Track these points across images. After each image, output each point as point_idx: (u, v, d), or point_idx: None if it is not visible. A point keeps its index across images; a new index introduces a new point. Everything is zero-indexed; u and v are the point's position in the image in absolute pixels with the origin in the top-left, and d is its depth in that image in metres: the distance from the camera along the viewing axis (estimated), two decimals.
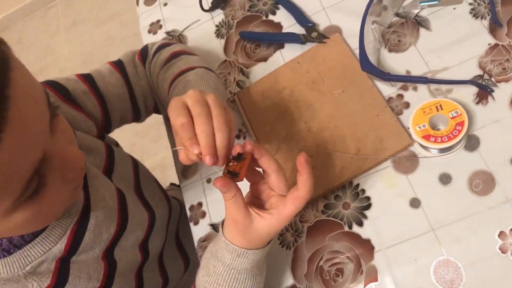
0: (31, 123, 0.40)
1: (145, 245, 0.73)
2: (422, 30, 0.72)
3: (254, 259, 0.56)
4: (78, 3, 2.52)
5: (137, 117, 0.80)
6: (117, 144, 0.80)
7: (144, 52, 0.78)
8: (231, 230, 0.56)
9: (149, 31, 0.94)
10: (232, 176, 0.53)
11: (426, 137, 0.62)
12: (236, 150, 0.53)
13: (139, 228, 0.71)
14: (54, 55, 2.42)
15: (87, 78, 0.73)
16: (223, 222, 0.59)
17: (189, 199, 0.76)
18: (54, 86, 0.67)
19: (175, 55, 0.73)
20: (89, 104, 0.71)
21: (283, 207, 0.54)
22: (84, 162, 0.51)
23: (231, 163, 0.53)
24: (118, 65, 0.77)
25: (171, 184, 1.13)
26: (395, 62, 0.71)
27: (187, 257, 0.88)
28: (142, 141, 1.99)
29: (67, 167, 0.47)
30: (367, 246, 0.62)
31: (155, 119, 0.88)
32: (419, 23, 0.72)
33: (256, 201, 0.58)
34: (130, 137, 1.97)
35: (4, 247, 0.53)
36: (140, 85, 0.77)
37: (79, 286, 0.60)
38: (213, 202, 0.74)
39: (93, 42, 2.33)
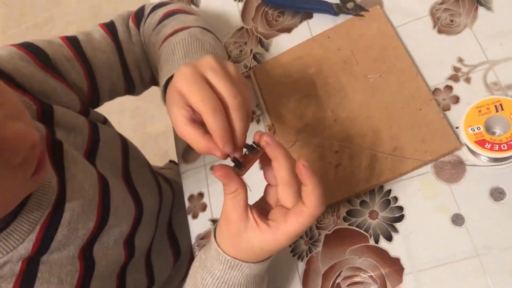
0: None
1: (131, 241, 0.63)
2: (481, 10, 0.60)
3: (250, 274, 0.47)
4: None
5: (131, 89, 0.70)
6: (105, 121, 0.70)
7: (139, 14, 0.68)
8: (222, 232, 0.47)
9: None
10: (236, 166, 0.43)
11: (480, 143, 0.51)
12: (256, 136, 0.44)
13: (124, 221, 0.61)
14: (61, 6, 2.29)
15: (73, 42, 0.62)
16: (215, 227, 0.49)
17: (189, 188, 0.66)
18: (31, 49, 0.57)
19: (169, 14, 0.63)
20: (73, 73, 0.61)
21: (283, 222, 0.43)
22: (34, 140, 0.41)
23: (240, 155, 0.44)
24: (110, 28, 0.66)
25: (170, 161, 1.03)
26: (446, 46, 0.60)
27: (179, 250, 0.78)
28: (147, 105, 1.89)
29: (10, 150, 0.38)
30: (396, 266, 0.52)
31: None
32: (478, 1, 0.60)
33: (265, 207, 0.48)
34: (133, 100, 1.87)
35: None
36: (133, 51, 0.67)
37: None
38: (216, 194, 0.64)
39: None
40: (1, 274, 0.47)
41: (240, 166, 0.43)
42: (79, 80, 0.62)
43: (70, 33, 0.64)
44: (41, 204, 0.50)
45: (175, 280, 0.78)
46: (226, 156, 0.43)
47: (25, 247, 0.48)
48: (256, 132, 0.44)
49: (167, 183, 0.81)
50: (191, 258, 0.79)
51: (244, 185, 0.44)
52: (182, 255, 0.78)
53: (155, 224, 0.70)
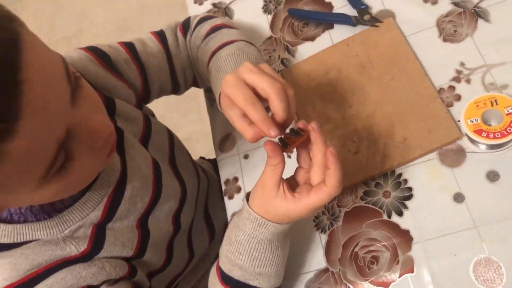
0: (49, 104, 0.39)
1: (177, 217, 0.73)
2: (481, 22, 0.69)
3: (274, 231, 0.56)
4: None
5: (176, 89, 0.80)
6: (153, 115, 0.80)
7: (186, 25, 0.77)
8: (256, 194, 0.56)
9: (195, 1, 0.93)
10: (283, 145, 0.52)
11: (478, 132, 0.60)
12: (299, 125, 0.53)
13: (172, 199, 0.71)
14: (89, 20, 2.42)
15: (129, 47, 0.72)
16: (247, 193, 0.59)
17: (225, 173, 0.76)
18: (96, 52, 0.66)
19: (216, 29, 0.72)
20: (130, 73, 0.70)
21: (305, 195, 0.53)
22: (112, 129, 0.50)
23: (287, 135, 0.53)
24: (160, 36, 0.76)
25: (201, 157, 1.13)
26: (449, 53, 0.69)
27: (213, 231, 0.88)
28: (171, 114, 1.99)
29: (94, 137, 0.46)
30: (406, 237, 0.61)
31: (185, 93, 0.87)
32: (478, 14, 0.70)
33: (293, 184, 0.57)
34: (160, 109, 1.96)
35: (45, 209, 0.54)
36: (180, 57, 0.76)
37: (113, 253, 0.60)
38: (250, 178, 0.73)
39: (129, 10, 2.33)
40: (76, 235, 0.57)
41: (286, 145, 0.53)
42: (135, 79, 0.71)
43: None
44: (108, 180, 0.59)
45: (210, 257, 0.87)
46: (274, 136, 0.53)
47: (95, 215, 0.58)
48: (301, 121, 0.54)
49: (202, 171, 0.91)
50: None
51: (284, 162, 0.53)
52: (216, 235, 0.88)
53: (194, 205, 0.80)
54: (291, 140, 0.53)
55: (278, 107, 0.51)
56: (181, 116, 1.96)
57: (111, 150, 0.52)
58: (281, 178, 0.54)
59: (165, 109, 1.99)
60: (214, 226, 0.88)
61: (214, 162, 1.05)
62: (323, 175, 0.53)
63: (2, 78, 0.34)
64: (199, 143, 1.99)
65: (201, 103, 2.04)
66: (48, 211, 0.55)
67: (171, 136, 0.78)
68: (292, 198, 0.53)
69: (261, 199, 0.55)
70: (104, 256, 0.59)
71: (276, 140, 0.54)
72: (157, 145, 0.72)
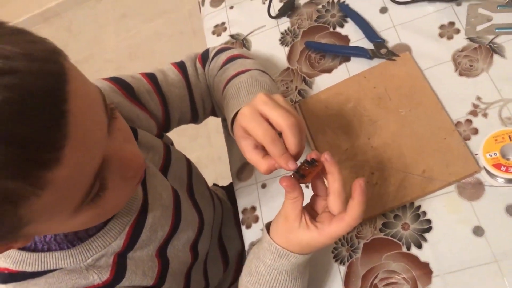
0: (90, 134, 0.40)
1: (195, 246, 0.73)
2: (496, 57, 0.71)
3: (295, 262, 0.57)
4: None
5: (195, 119, 0.81)
6: (172, 143, 0.81)
7: (205, 56, 0.79)
8: (279, 226, 0.57)
9: (213, 33, 0.95)
10: (299, 177, 0.53)
11: (497, 166, 0.61)
12: (312, 155, 0.54)
13: (190, 228, 0.72)
14: (101, 45, 2.47)
15: (151, 78, 0.73)
16: (267, 224, 0.60)
17: (243, 202, 0.76)
18: (120, 83, 0.68)
19: (232, 59, 0.74)
20: (152, 104, 0.72)
21: (327, 225, 0.54)
22: (143, 159, 0.52)
23: (302, 166, 0.54)
24: (181, 66, 0.77)
25: (214, 184, 1.13)
26: (466, 87, 0.70)
27: (228, 259, 0.88)
28: (180, 139, 2.01)
29: (126, 166, 0.47)
30: (425, 269, 0.61)
31: None
32: (493, 49, 0.71)
33: (311, 212, 0.58)
34: (169, 134, 2.00)
35: (69, 238, 0.55)
36: (199, 87, 0.77)
37: (134, 282, 0.61)
38: (267, 208, 0.74)
39: (140, 37, 2.37)
40: (98, 264, 0.57)
41: (303, 176, 0.54)
42: (156, 109, 0.72)
43: (108, 69, 0.75)
44: (130, 209, 0.60)
45: (224, 285, 0.87)
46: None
47: (117, 244, 0.59)
48: (313, 151, 0.55)
49: (217, 199, 0.92)
50: (237, 268, 0.89)
51: (302, 193, 0.55)
52: (230, 264, 0.88)
53: (210, 234, 0.80)
54: (306, 171, 0.54)
55: (292, 142, 0.52)
56: (190, 140, 1.98)
57: (140, 179, 0.53)
58: (302, 210, 0.55)
59: (174, 133, 2.00)
60: (228, 254, 0.88)
61: (226, 189, 1.06)
62: (341, 204, 0.54)
63: (52, 108, 0.36)
64: (207, 168, 2.00)
65: (210, 128, 2.07)
66: (72, 240, 0.55)
67: (189, 164, 0.79)
68: (315, 228, 0.54)
69: (284, 230, 0.56)
70: (126, 285, 0.60)
71: (291, 171, 0.55)
72: (176, 174, 0.73)
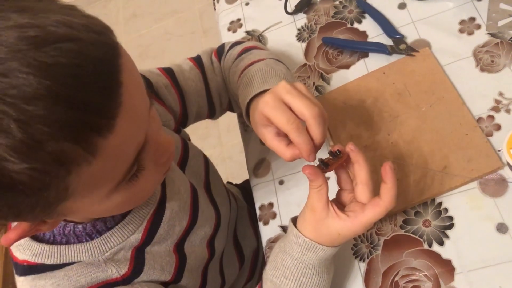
0: (138, 109, 0.41)
1: (212, 242, 0.73)
2: None
3: (323, 256, 0.56)
4: None
5: (212, 114, 0.81)
6: (189, 139, 0.81)
7: (220, 50, 0.79)
8: (306, 219, 0.56)
9: (229, 29, 0.95)
10: (323, 166, 0.53)
11: None
12: (336, 147, 0.54)
13: (208, 224, 0.71)
14: None
15: (169, 72, 0.73)
16: (293, 218, 0.59)
17: (260, 199, 0.76)
18: None
19: (247, 50, 0.74)
20: (170, 98, 0.72)
21: (361, 212, 0.53)
22: (175, 146, 0.52)
23: (325, 157, 0.54)
24: (197, 61, 0.77)
25: (228, 182, 1.13)
26: (487, 83, 0.69)
27: (243, 258, 0.87)
28: (191, 138, 2.01)
29: (160, 151, 0.48)
30: (448, 267, 0.60)
31: None
32: None
33: (338, 206, 0.57)
34: None
35: (88, 231, 0.55)
36: (216, 81, 0.77)
37: (152, 277, 0.60)
38: (285, 204, 0.73)
39: (151, 36, 2.38)
40: (116, 258, 0.57)
41: (326, 165, 0.53)
42: (174, 104, 0.72)
43: None
44: (149, 202, 0.60)
45: (240, 283, 0.87)
46: (313, 158, 0.54)
47: (136, 238, 0.58)
48: (337, 144, 0.55)
49: (232, 197, 0.91)
50: (252, 266, 0.88)
51: (326, 182, 0.54)
52: (245, 262, 0.87)
53: (227, 231, 0.80)
54: (330, 161, 0.54)
55: (316, 132, 0.52)
56: (201, 140, 1.98)
57: (168, 168, 0.54)
58: (328, 199, 0.55)
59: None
60: (244, 252, 0.87)
61: (241, 187, 1.06)
62: (369, 192, 0.54)
63: (108, 77, 0.37)
64: (218, 167, 1.99)
65: (221, 127, 2.06)
66: (91, 233, 0.55)
67: (206, 161, 0.78)
68: (346, 217, 0.54)
69: (313, 223, 0.56)
70: (143, 280, 0.59)
71: (314, 163, 0.55)
72: (193, 170, 0.72)
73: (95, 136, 0.36)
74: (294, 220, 0.59)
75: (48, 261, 0.54)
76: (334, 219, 0.54)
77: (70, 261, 0.54)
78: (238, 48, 0.75)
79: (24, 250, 0.54)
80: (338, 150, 0.54)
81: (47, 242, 0.54)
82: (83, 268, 0.55)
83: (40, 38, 0.34)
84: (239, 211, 0.91)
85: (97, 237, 0.55)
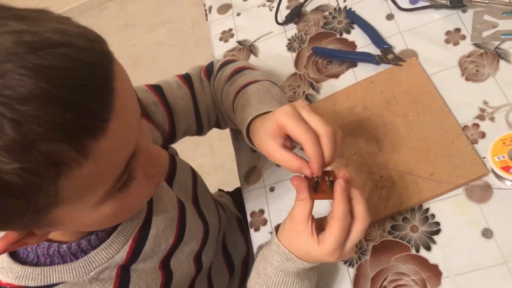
0: (129, 116, 0.42)
1: (199, 258, 0.73)
2: (502, 62, 0.72)
3: (300, 267, 0.57)
4: (131, 7, 2.59)
5: (200, 131, 0.81)
6: (176, 154, 0.82)
7: (209, 68, 0.80)
8: (285, 227, 0.57)
9: (220, 39, 0.96)
10: (313, 187, 0.54)
11: (505, 168, 0.61)
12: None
13: (194, 240, 0.71)
14: None
15: (157, 89, 0.74)
16: (277, 226, 0.60)
17: (251, 205, 0.77)
18: None
19: (239, 70, 0.75)
20: (158, 115, 0.72)
21: (327, 231, 0.54)
22: (167, 159, 0.52)
23: (323, 181, 0.55)
24: (186, 79, 0.78)
25: (219, 190, 1.13)
26: (472, 92, 0.71)
27: (233, 266, 0.87)
28: (182, 147, 2.01)
29: (151, 163, 0.49)
30: (435, 271, 0.61)
31: None
32: (499, 55, 0.72)
33: (320, 226, 0.57)
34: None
35: (73, 251, 0.55)
36: (205, 100, 0.78)
37: None
38: (275, 211, 0.74)
39: (143, 46, 2.39)
40: (101, 277, 0.56)
41: (315, 190, 0.54)
42: (162, 121, 0.73)
43: None
44: (134, 220, 0.60)
45: None
46: (312, 175, 0.55)
47: (121, 256, 0.58)
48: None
49: (221, 207, 0.92)
50: (242, 275, 0.88)
51: (311, 200, 0.55)
52: (235, 270, 0.87)
53: (215, 244, 0.80)
54: (323, 188, 0.55)
55: (328, 149, 0.54)
56: (193, 149, 1.98)
57: (159, 181, 0.54)
58: (311, 215, 0.55)
59: (177, 142, 2.01)
60: (234, 262, 0.88)
61: (232, 195, 1.06)
62: (340, 234, 0.54)
63: (102, 82, 0.38)
64: (209, 176, 2.00)
65: (212, 136, 2.07)
66: (75, 253, 0.55)
67: (194, 174, 0.79)
68: (316, 237, 0.54)
69: (289, 232, 0.57)
70: None
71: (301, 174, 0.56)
72: (181, 185, 0.73)
73: (88, 139, 0.37)
74: (277, 228, 0.60)
75: (31, 284, 0.53)
76: (308, 236, 0.54)
77: (54, 282, 0.53)
78: (229, 69, 0.76)
79: (7, 273, 0.53)
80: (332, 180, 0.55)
81: (31, 264, 0.54)
82: None
83: (36, 43, 0.35)
84: (228, 220, 0.91)
85: (82, 257, 0.55)
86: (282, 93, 0.72)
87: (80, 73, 0.36)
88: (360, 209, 0.54)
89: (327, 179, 0.56)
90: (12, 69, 0.34)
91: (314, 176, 0.54)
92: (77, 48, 0.37)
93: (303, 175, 0.56)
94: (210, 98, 0.78)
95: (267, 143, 0.58)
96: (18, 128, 0.34)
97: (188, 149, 1.99)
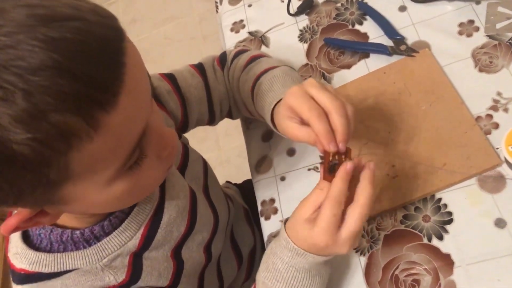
0: (140, 90, 0.42)
1: (209, 247, 0.73)
2: None
3: (313, 261, 0.56)
4: (139, 2, 2.59)
5: (212, 121, 0.81)
6: (188, 143, 0.82)
7: (223, 58, 0.80)
8: (293, 217, 0.57)
9: (232, 30, 0.96)
10: (330, 170, 0.54)
11: None
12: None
13: (205, 229, 0.71)
14: None
15: (171, 78, 0.74)
16: (286, 220, 0.60)
17: (261, 195, 0.77)
18: None
19: (255, 58, 0.75)
20: (171, 103, 0.72)
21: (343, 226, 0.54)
22: (177, 141, 0.52)
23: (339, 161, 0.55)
24: (199, 68, 0.78)
25: (227, 181, 1.13)
26: (486, 83, 0.71)
27: (241, 258, 0.87)
28: (189, 141, 2.02)
29: (163, 143, 0.49)
30: (447, 261, 0.61)
31: None
32: None
33: None
34: None
35: (86, 237, 0.55)
36: (218, 89, 0.78)
37: (149, 283, 0.60)
38: (286, 200, 0.74)
39: (150, 41, 2.39)
40: (114, 265, 0.57)
41: (331, 172, 0.54)
42: (175, 109, 0.73)
43: None
44: (145, 207, 0.60)
45: (238, 283, 0.87)
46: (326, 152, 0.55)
47: (133, 243, 0.58)
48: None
49: (229, 199, 0.92)
50: (249, 266, 0.88)
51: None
52: (244, 261, 0.87)
53: (224, 235, 0.80)
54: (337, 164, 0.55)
55: (337, 122, 0.53)
56: (199, 143, 1.97)
57: (170, 165, 0.54)
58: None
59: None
60: (242, 253, 0.88)
61: (239, 187, 1.06)
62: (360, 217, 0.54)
63: (113, 56, 0.38)
64: (215, 170, 1.98)
65: (219, 131, 2.07)
66: (88, 239, 0.55)
67: (205, 164, 0.79)
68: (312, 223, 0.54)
69: (295, 223, 0.57)
70: (141, 286, 0.59)
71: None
72: (193, 174, 0.73)
73: (98, 110, 0.37)
74: (286, 222, 0.59)
75: (45, 270, 0.53)
76: (306, 222, 0.55)
77: (68, 269, 0.54)
78: (245, 57, 0.76)
79: (21, 259, 0.54)
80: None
81: (44, 250, 0.54)
82: (80, 277, 0.54)
83: (48, 16, 0.36)
84: (236, 211, 0.91)
85: (94, 243, 0.55)
86: (300, 77, 0.72)
87: (91, 46, 0.37)
88: (362, 197, 0.53)
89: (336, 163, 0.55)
90: (24, 40, 0.34)
91: (330, 158, 0.54)
92: (88, 22, 0.37)
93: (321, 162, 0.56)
94: (223, 87, 0.78)
95: (285, 124, 0.58)
96: (29, 98, 0.34)
97: (194, 143, 1.97)
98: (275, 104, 0.64)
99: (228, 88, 0.78)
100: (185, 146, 0.73)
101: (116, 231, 0.56)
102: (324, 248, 0.54)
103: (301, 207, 0.57)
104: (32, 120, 0.34)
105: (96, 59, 0.37)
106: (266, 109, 0.65)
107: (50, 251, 0.54)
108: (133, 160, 0.44)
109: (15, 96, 0.34)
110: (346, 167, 0.54)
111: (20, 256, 0.54)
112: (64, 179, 0.39)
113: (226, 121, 0.87)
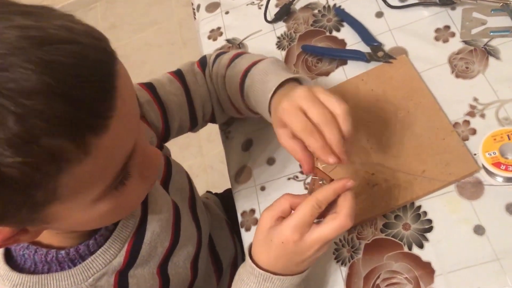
0: (130, 114, 0.42)
1: (195, 263, 0.72)
2: (492, 59, 0.72)
3: (281, 286, 0.55)
4: (118, 8, 2.56)
5: (193, 126, 0.80)
6: (169, 155, 0.80)
7: (203, 61, 0.79)
8: (256, 239, 0.56)
9: (209, 37, 0.95)
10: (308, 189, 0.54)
11: (496, 165, 0.61)
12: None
13: (190, 243, 0.70)
14: None
15: (150, 87, 0.73)
16: (250, 245, 0.58)
17: (242, 205, 0.76)
18: None
19: (238, 55, 0.74)
20: (151, 114, 0.71)
21: (316, 227, 0.53)
22: (162, 161, 0.52)
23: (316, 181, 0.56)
24: (178, 74, 0.77)
25: (207, 191, 1.12)
26: (462, 89, 0.71)
27: (221, 270, 0.86)
28: (170, 148, 2.00)
29: (147, 163, 0.48)
30: (427, 269, 0.61)
31: None
32: (489, 52, 0.72)
33: None
34: None
35: (71, 256, 0.53)
36: (199, 92, 0.77)
37: None
38: None
39: (130, 47, 2.36)
40: (99, 284, 0.55)
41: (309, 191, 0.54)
42: (156, 120, 0.71)
43: None
44: (128, 224, 0.59)
45: None
46: (309, 171, 0.56)
47: (118, 261, 0.57)
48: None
49: (207, 210, 0.90)
50: (231, 276, 0.87)
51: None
52: (224, 273, 0.85)
53: (207, 249, 0.79)
54: (316, 188, 0.55)
55: (329, 136, 0.54)
56: (182, 150, 1.97)
57: (152, 183, 0.54)
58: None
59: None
60: (222, 263, 0.86)
61: (220, 197, 1.05)
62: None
63: (105, 80, 0.38)
64: (198, 177, 1.99)
65: (202, 137, 2.06)
66: (73, 259, 0.54)
67: (189, 177, 0.78)
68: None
69: (262, 242, 0.55)
70: None
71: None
72: (177, 186, 0.72)
73: (90, 135, 0.37)
74: (250, 247, 0.58)
75: None
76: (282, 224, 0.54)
77: None
78: (228, 56, 0.75)
79: (4, 281, 0.52)
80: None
81: (28, 271, 0.52)
82: None
83: (42, 38, 0.35)
84: (215, 222, 0.90)
85: (80, 263, 0.54)
86: (287, 68, 0.72)
87: (84, 69, 0.36)
88: (344, 210, 0.52)
89: (321, 182, 0.55)
90: (16, 62, 0.34)
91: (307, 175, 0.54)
92: (82, 46, 0.37)
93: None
94: (205, 89, 0.77)
95: (278, 133, 0.59)
96: (21, 122, 0.33)
97: (177, 150, 1.97)
98: (272, 95, 0.63)
99: (210, 89, 0.77)
100: (167, 159, 0.72)
101: (100, 249, 0.55)
102: (291, 246, 0.52)
103: (262, 219, 0.56)
104: (23, 144, 0.34)
105: (90, 84, 0.37)
106: (264, 97, 0.64)
107: (34, 272, 0.52)
108: (118, 180, 0.44)
109: (6, 119, 0.33)
110: (346, 183, 0.53)
111: (3, 278, 0.52)
112: (50, 200, 0.39)
113: (208, 127, 0.86)
